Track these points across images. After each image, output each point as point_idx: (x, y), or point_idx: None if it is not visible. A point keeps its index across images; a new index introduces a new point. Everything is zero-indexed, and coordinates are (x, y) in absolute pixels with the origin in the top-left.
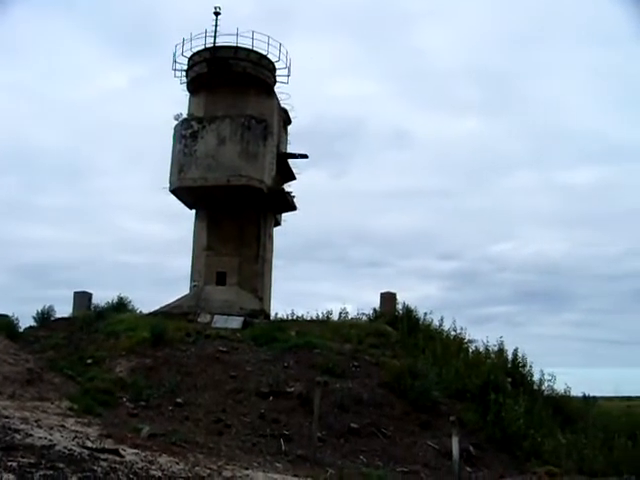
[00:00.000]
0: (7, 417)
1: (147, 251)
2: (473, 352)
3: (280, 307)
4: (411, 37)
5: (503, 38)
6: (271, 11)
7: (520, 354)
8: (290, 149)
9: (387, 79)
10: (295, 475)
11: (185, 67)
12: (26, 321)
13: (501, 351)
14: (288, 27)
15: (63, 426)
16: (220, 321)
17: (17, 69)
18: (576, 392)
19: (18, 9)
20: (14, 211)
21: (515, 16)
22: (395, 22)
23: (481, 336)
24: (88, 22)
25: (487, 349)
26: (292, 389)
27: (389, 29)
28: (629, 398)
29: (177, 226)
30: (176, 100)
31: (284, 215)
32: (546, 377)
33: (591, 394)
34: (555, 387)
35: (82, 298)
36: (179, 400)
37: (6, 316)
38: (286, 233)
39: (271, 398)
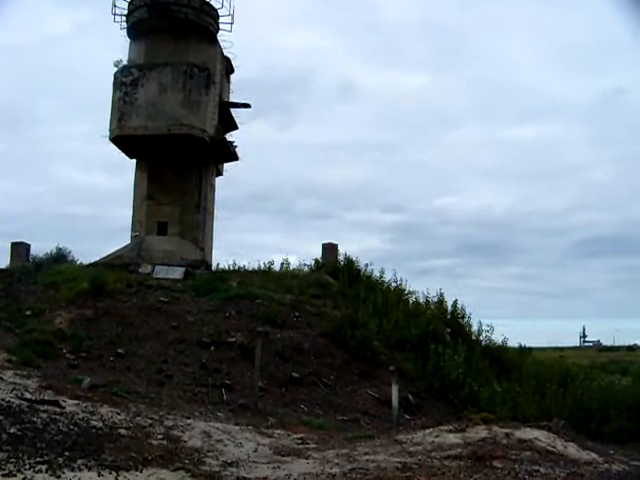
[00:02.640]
0: None
1: (88, 202)
2: (413, 303)
3: (224, 258)
4: None
5: None
6: None
7: (460, 306)
8: (236, 99)
9: (337, 32)
10: (236, 424)
11: (126, 12)
12: None
13: (441, 302)
14: None
15: (1, 378)
16: (161, 271)
17: None
18: (513, 343)
19: None
20: None
21: None
22: None
23: (423, 288)
24: None
25: (427, 300)
26: (233, 339)
27: None
28: (562, 349)
29: (119, 176)
30: (116, 46)
31: (227, 165)
32: (484, 328)
33: (527, 345)
34: (493, 338)
35: (20, 249)
36: (120, 351)
37: None
38: (230, 184)
39: (212, 348)
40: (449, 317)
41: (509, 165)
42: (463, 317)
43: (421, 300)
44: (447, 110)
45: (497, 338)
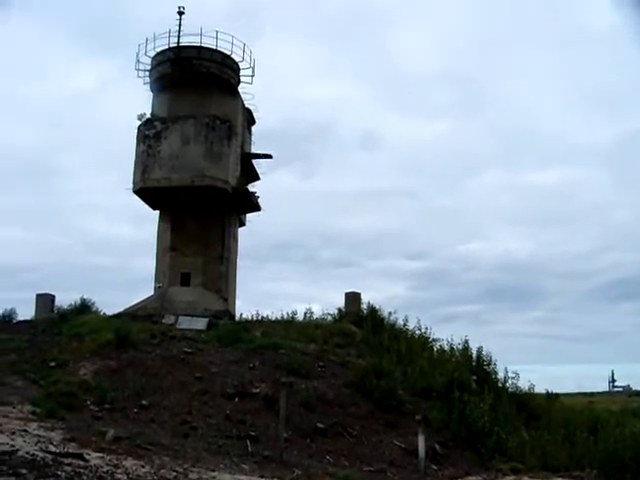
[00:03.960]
0: None
1: (112, 252)
2: (438, 351)
3: (247, 308)
4: (384, 40)
5: (474, 43)
6: (243, 11)
7: (485, 352)
8: (257, 150)
9: (359, 82)
10: (262, 476)
11: (149, 67)
12: None
13: (466, 349)
14: (260, 28)
15: (25, 431)
16: (185, 322)
17: None
18: (540, 389)
19: None
20: None
21: (485, 21)
22: (368, 25)
23: (447, 335)
24: (58, 21)
25: (452, 347)
26: (258, 390)
27: (362, 32)
28: (591, 394)
29: (143, 227)
30: (140, 100)
31: (249, 216)
32: (510, 374)
33: (554, 391)
34: (519, 384)
35: (45, 300)
36: (144, 402)
37: None
38: (252, 234)
39: (237, 399)
40: (474, 364)
41: (531, 210)
42: (489, 364)
43: (446, 347)
44: (469, 157)
45: (524, 384)
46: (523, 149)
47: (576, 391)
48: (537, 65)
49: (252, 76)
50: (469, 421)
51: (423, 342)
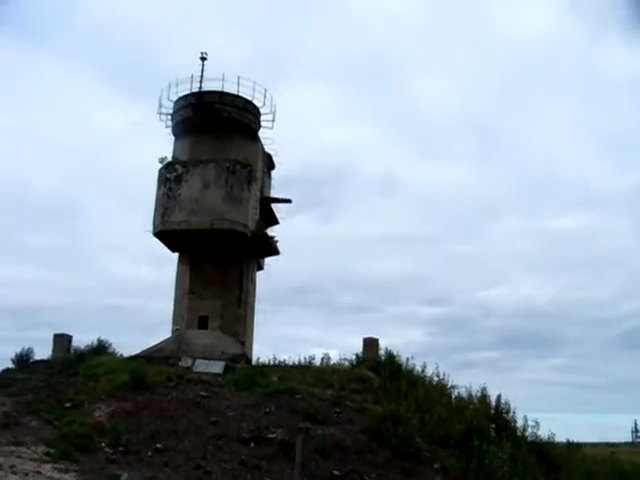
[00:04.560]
0: None
1: (131, 294)
2: (456, 398)
3: (264, 352)
4: (404, 85)
5: (493, 88)
6: (264, 57)
7: (504, 400)
8: (277, 194)
9: (379, 126)
10: None
11: (171, 111)
12: (4, 363)
13: (484, 397)
14: (281, 73)
15: (39, 472)
16: (201, 365)
17: (14, 111)
18: (560, 438)
19: (19, 52)
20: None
21: (505, 67)
22: (388, 70)
23: (466, 382)
24: (86, 66)
25: (470, 395)
26: (274, 435)
27: (382, 76)
28: (613, 444)
29: (162, 269)
30: (162, 144)
31: (268, 259)
32: (530, 423)
33: (575, 440)
34: (539, 433)
35: (62, 340)
36: (159, 445)
37: None
38: (271, 277)
39: (252, 444)
40: (493, 412)
41: (551, 255)
42: (508, 412)
43: (464, 394)
44: (488, 202)
45: (544, 433)
46: (543, 194)
47: (598, 441)
48: (557, 111)
49: (273, 121)
50: (488, 471)
51: (441, 389)
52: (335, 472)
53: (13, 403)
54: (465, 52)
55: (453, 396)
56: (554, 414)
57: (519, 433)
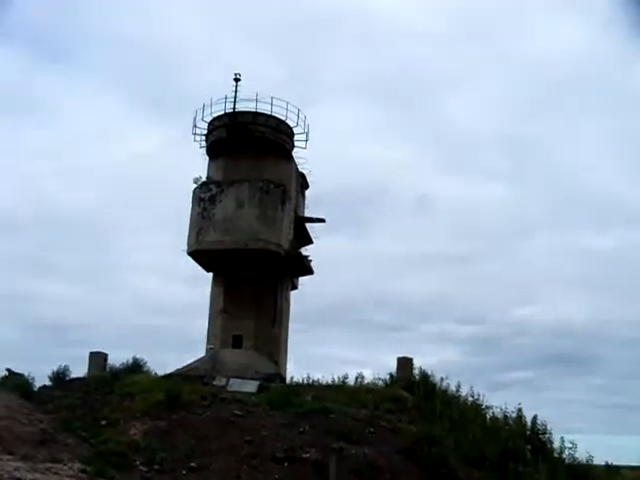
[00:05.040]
0: (19, 479)
1: (166, 313)
2: (491, 418)
3: (298, 371)
4: (438, 102)
5: (528, 104)
6: (297, 77)
7: (540, 420)
8: (311, 213)
9: (413, 144)
10: None
11: (205, 131)
12: (41, 380)
13: (520, 417)
14: (313, 92)
15: None
16: (236, 384)
17: (47, 131)
18: (599, 460)
19: (52, 73)
20: (35, 268)
21: (539, 83)
22: (422, 88)
23: (500, 402)
24: (121, 86)
25: (505, 415)
26: (307, 455)
27: (416, 94)
28: None
29: (196, 288)
30: (196, 164)
31: (302, 279)
32: (567, 444)
33: (614, 462)
34: (576, 455)
35: (98, 358)
36: (193, 464)
37: (21, 375)
38: (304, 297)
39: (286, 464)
40: (529, 433)
41: (587, 274)
42: (544, 433)
43: (499, 415)
44: (522, 219)
45: (581, 455)
46: (578, 212)
47: (637, 464)
48: (591, 128)
49: (306, 141)
50: None
51: (476, 409)
52: None
53: (50, 420)
54: (497, 68)
55: (488, 416)
56: (592, 435)
57: (556, 455)
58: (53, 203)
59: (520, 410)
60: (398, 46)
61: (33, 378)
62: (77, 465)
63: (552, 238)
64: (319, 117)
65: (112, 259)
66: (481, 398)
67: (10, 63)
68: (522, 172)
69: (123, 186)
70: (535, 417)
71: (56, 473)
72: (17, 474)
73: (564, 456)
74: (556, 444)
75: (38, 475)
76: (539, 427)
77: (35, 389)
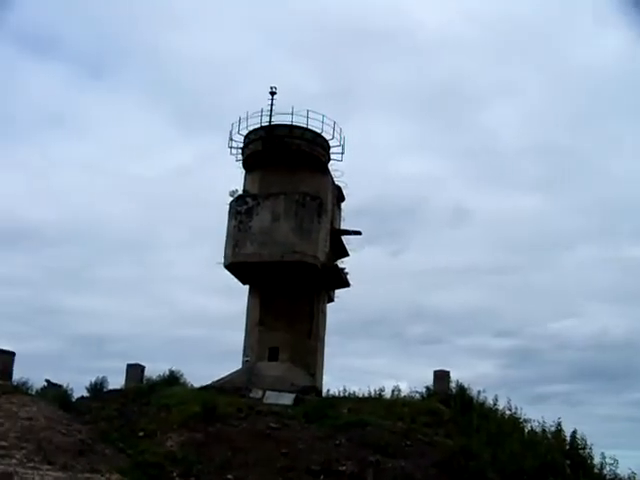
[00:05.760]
0: None
1: (202, 325)
2: (529, 432)
3: (334, 384)
4: (474, 115)
5: (565, 115)
6: (334, 90)
7: (579, 435)
8: (347, 226)
9: (449, 157)
10: None
11: (241, 145)
12: (79, 391)
13: (559, 431)
14: (349, 105)
15: None
16: (272, 397)
17: (88, 145)
18: None
19: (92, 88)
20: (73, 281)
21: (576, 93)
22: (458, 101)
23: (537, 415)
24: (155, 102)
25: (544, 429)
26: (344, 468)
27: (452, 107)
28: None
29: (232, 301)
30: (232, 177)
31: (338, 291)
32: (608, 460)
33: None
34: (618, 471)
35: (135, 370)
36: (230, 476)
37: (60, 386)
38: (341, 310)
39: (322, 477)
40: (568, 447)
41: (628, 285)
42: (584, 448)
43: (537, 429)
44: (562, 231)
45: (623, 472)
46: (619, 222)
47: None
48: (632, 138)
49: (342, 153)
50: None
51: (513, 423)
52: None
53: (88, 431)
54: (535, 80)
55: (526, 430)
56: (634, 451)
57: (596, 471)
58: (92, 217)
59: (559, 424)
60: (435, 57)
61: (72, 389)
62: (115, 476)
63: (593, 250)
64: (356, 130)
65: (149, 272)
66: (519, 412)
67: (53, 79)
68: (561, 183)
69: (160, 200)
70: (574, 431)
71: None
72: None
73: (605, 472)
74: (596, 460)
75: None
76: (579, 442)
77: (73, 400)
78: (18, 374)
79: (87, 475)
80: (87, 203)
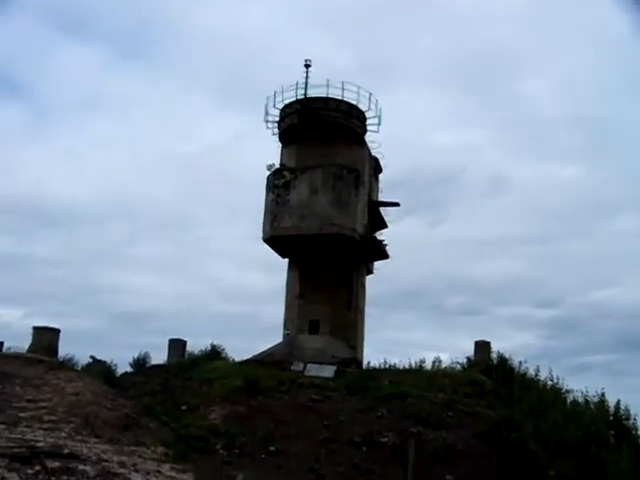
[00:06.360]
0: (106, 461)
1: (242, 300)
2: (571, 403)
3: (374, 356)
4: (512, 85)
5: (605, 84)
6: (369, 62)
7: (623, 405)
8: (384, 198)
9: (487, 127)
10: None
11: (277, 119)
12: (123, 367)
13: (602, 402)
14: (387, 77)
15: (159, 471)
16: (313, 369)
17: (125, 124)
18: None
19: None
20: (117, 259)
21: (618, 63)
22: (495, 71)
23: (579, 386)
24: (194, 77)
25: (586, 400)
26: (386, 439)
27: (489, 77)
28: None
29: (272, 275)
30: (269, 151)
31: (377, 263)
32: None
33: None
34: None
35: (177, 345)
36: (272, 448)
37: (104, 362)
38: (380, 282)
39: (364, 448)
40: (612, 418)
41: None
42: (628, 418)
43: (580, 399)
44: (602, 200)
45: None
46: None
47: None
48: None
49: (378, 125)
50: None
51: (555, 393)
52: (448, 477)
53: (132, 405)
54: (577, 50)
55: (568, 401)
56: None
57: None
58: (130, 196)
59: (603, 394)
60: (475, 28)
61: (115, 365)
62: (160, 449)
63: (633, 219)
64: (392, 102)
65: (189, 249)
66: (560, 382)
67: (92, 59)
68: (602, 153)
69: (197, 177)
70: (618, 402)
71: (140, 456)
72: (104, 456)
73: None
74: None
75: (124, 458)
76: (622, 412)
77: (117, 375)
78: (63, 351)
79: (133, 448)
80: (125, 182)
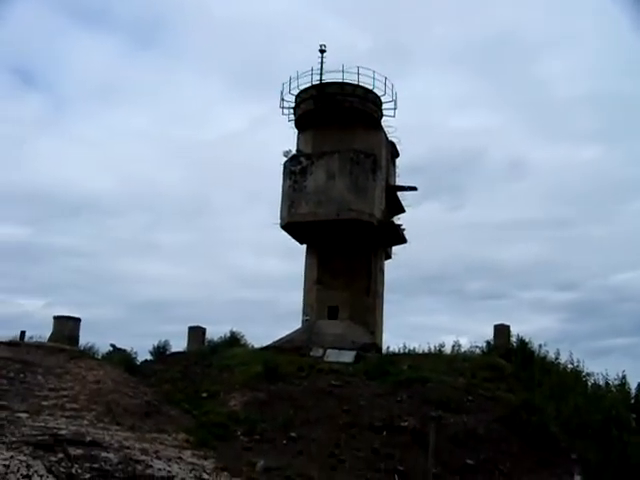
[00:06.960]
0: (128, 448)
1: (261, 286)
2: (592, 386)
3: (394, 340)
4: (529, 67)
5: (623, 64)
6: (384, 46)
7: None
8: (402, 182)
9: (505, 109)
10: None
11: (293, 105)
12: (143, 355)
13: (623, 385)
14: (403, 61)
15: (180, 458)
16: (332, 355)
17: (144, 113)
18: None
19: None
20: (136, 248)
21: (632, 42)
22: (513, 52)
23: (600, 369)
24: (207, 67)
25: (607, 383)
26: (406, 423)
27: (507, 59)
28: None
29: (290, 261)
30: (285, 137)
31: (395, 248)
32: None
33: None
34: None
35: (196, 333)
36: (293, 434)
37: (124, 350)
38: (399, 266)
39: (384, 433)
40: (633, 401)
41: None
42: None
43: (600, 382)
44: (621, 182)
45: None
46: None
47: None
48: None
49: (395, 109)
50: (632, 462)
51: (576, 376)
52: (468, 461)
53: (153, 393)
54: (590, 29)
55: (589, 384)
56: None
57: None
58: (149, 185)
59: (624, 377)
60: (491, 10)
61: (136, 353)
62: (181, 435)
63: None
64: (408, 86)
65: (207, 237)
66: (581, 365)
67: (109, 49)
68: (620, 135)
69: (214, 164)
70: (639, 385)
71: (162, 443)
72: (126, 444)
73: None
74: None
75: (146, 445)
76: None
77: (138, 363)
78: (84, 339)
79: (154, 435)
80: (144, 171)
